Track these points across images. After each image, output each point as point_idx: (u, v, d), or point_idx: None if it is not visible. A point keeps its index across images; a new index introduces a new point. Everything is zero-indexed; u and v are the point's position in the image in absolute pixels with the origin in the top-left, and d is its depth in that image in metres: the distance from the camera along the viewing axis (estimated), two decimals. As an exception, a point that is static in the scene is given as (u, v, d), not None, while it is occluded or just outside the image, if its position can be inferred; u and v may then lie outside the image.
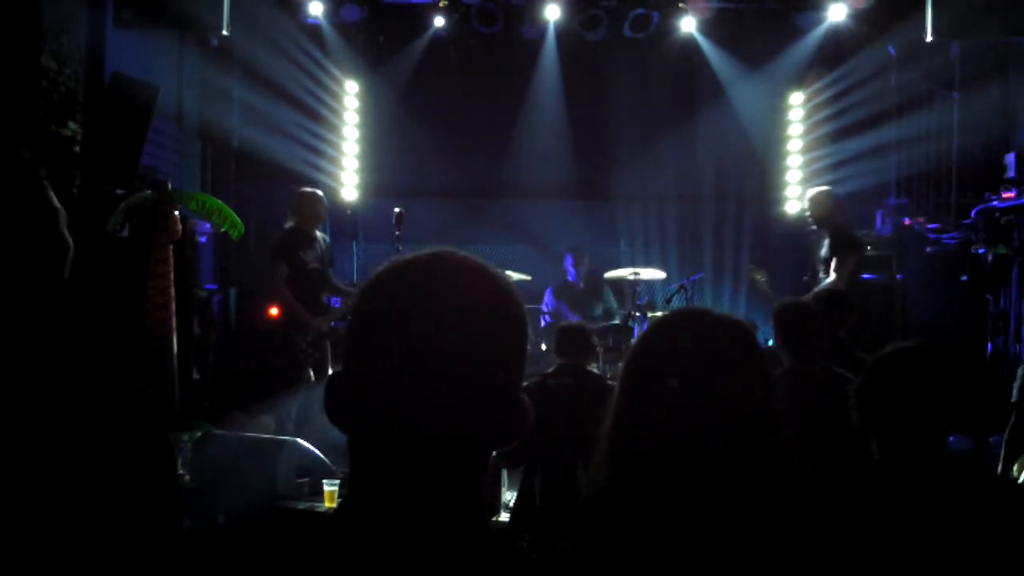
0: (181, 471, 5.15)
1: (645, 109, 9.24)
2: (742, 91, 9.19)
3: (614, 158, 9.52)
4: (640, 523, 1.63)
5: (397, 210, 6.50)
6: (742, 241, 9.62)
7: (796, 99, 9.48)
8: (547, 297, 8.46)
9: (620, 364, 1.84)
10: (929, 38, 7.24)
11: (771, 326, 4.34)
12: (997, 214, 7.32)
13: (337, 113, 9.50)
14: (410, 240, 6.17)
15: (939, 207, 8.51)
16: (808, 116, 9.47)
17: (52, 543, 1.49)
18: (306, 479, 5.33)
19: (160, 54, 7.92)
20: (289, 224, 6.72)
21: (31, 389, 1.54)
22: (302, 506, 5.14)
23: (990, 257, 7.28)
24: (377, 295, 1.14)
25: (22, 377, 1.55)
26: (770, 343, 7.83)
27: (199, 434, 5.56)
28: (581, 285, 8.44)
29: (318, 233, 6.86)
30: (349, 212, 9.42)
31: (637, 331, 7.50)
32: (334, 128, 9.48)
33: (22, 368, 1.55)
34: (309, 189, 7.01)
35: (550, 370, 4.80)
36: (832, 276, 6.48)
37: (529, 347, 1.58)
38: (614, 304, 8.47)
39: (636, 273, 7.83)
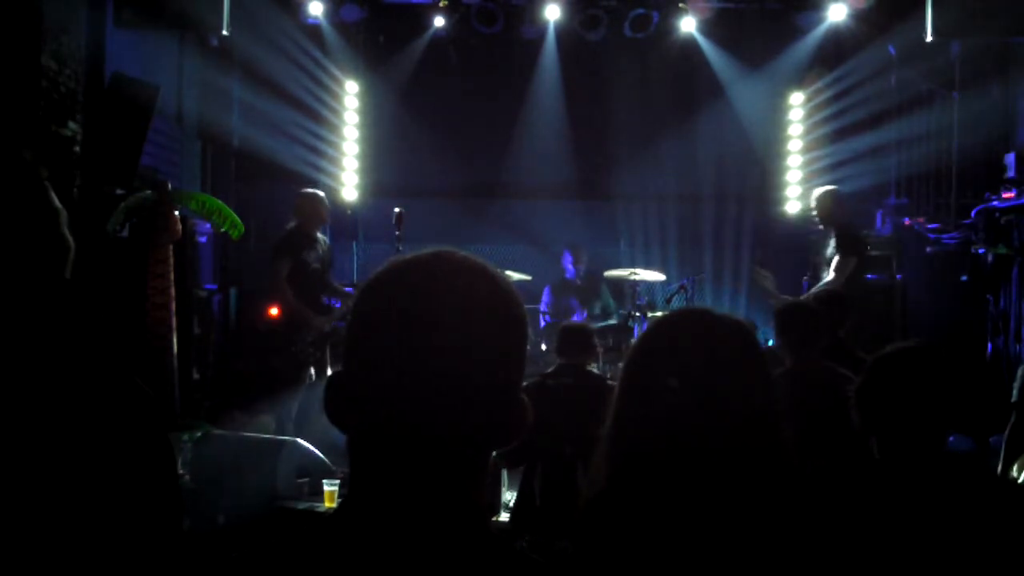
0: (181, 471, 5.15)
1: (645, 109, 9.24)
2: (742, 91, 9.19)
3: (614, 158, 9.53)
4: (640, 523, 1.63)
5: (397, 210, 6.49)
6: (742, 241, 9.62)
7: (796, 99, 9.48)
8: (545, 296, 8.46)
9: (620, 364, 1.83)
10: (929, 38, 7.23)
11: (771, 326, 4.34)
12: (997, 214, 7.32)
13: (337, 113, 9.50)
14: (410, 240, 6.17)
15: (939, 207, 8.51)
16: (808, 116, 9.47)
17: (52, 543, 1.49)
18: (306, 479, 5.33)
19: (160, 54, 7.92)
20: (291, 224, 6.71)
21: (32, 389, 1.54)
22: (302, 506, 5.14)
23: (990, 257, 7.29)
24: (377, 295, 1.14)
25: (23, 377, 1.55)
26: (770, 343, 7.86)
27: (199, 434, 5.57)
28: (579, 283, 8.45)
29: (319, 235, 6.85)
30: (349, 212, 9.42)
31: (637, 331, 7.50)
32: (334, 128, 9.48)
33: (23, 368, 1.56)
34: (311, 190, 7.01)
35: (550, 370, 4.80)
36: (831, 275, 6.47)
37: (529, 347, 1.58)
38: (612, 303, 8.48)
39: (635, 273, 7.83)
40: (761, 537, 1.61)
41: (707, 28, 8.93)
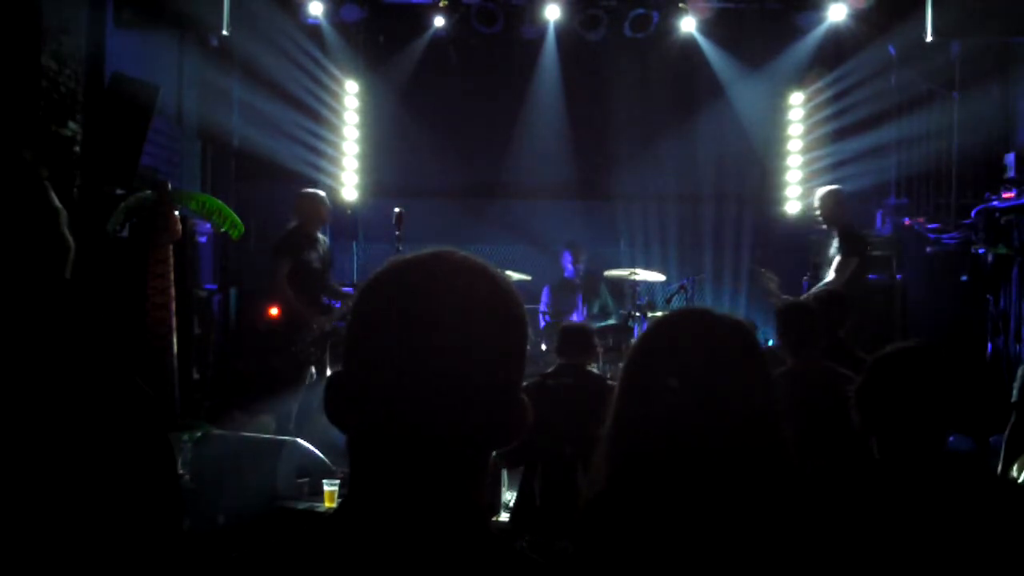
0: (181, 471, 5.15)
1: (645, 109, 9.24)
2: (742, 91, 9.19)
3: (614, 158, 9.53)
4: (640, 523, 1.63)
5: (397, 210, 6.49)
6: (742, 241, 9.62)
7: (796, 99, 9.48)
8: (544, 295, 8.47)
9: (620, 364, 1.83)
10: (929, 38, 7.23)
11: (771, 326, 4.36)
12: (997, 214, 7.32)
13: (337, 113, 9.50)
14: (410, 240, 6.16)
15: (939, 207, 8.51)
16: (808, 116, 9.47)
17: (53, 543, 1.49)
18: (306, 479, 5.33)
19: (160, 54, 7.92)
20: (292, 224, 6.71)
21: (32, 389, 1.54)
22: (302, 506, 5.14)
23: (990, 257, 7.29)
24: (377, 295, 1.14)
25: (23, 377, 1.55)
26: (771, 343, 7.86)
27: (199, 434, 5.57)
28: (578, 282, 8.45)
29: (320, 235, 6.85)
30: (349, 212, 9.42)
31: (637, 331, 7.50)
32: (334, 128, 9.48)
33: (23, 368, 1.55)
34: (311, 190, 7.01)
35: (550, 370, 4.80)
36: (831, 276, 6.47)
37: (529, 347, 1.58)
38: (611, 302, 8.48)
39: (635, 273, 7.84)
40: (761, 537, 1.61)
41: (707, 28, 8.93)
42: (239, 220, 6.65)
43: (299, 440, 5.54)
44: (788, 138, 9.55)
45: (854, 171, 8.58)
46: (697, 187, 9.54)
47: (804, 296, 6.19)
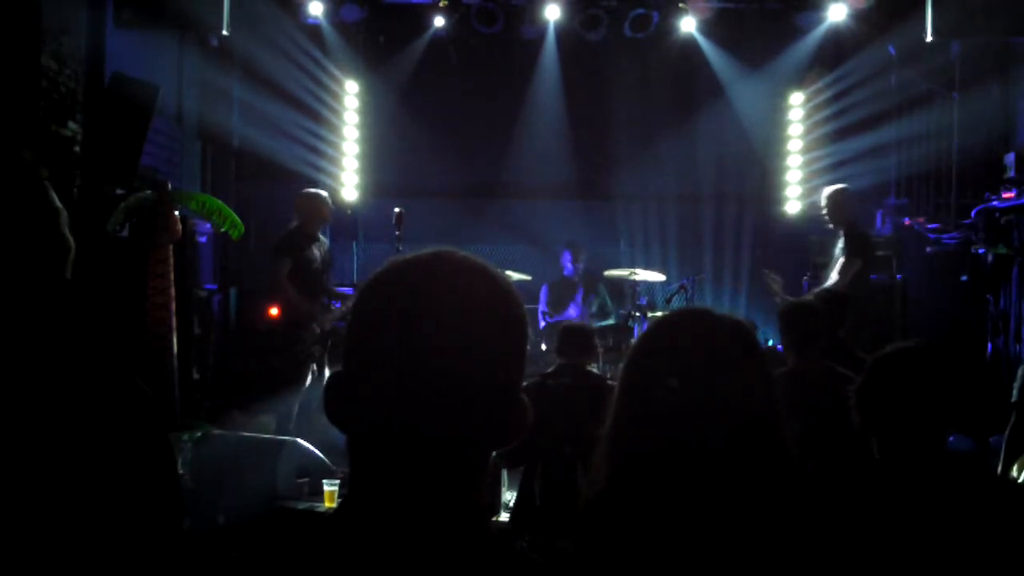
0: (181, 471, 5.15)
1: (645, 109, 9.25)
2: (742, 91, 9.20)
3: (614, 158, 9.53)
4: (640, 523, 1.63)
5: (397, 210, 6.49)
6: (742, 241, 9.62)
7: (796, 99, 9.48)
8: (543, 294, 8.47)
9: (620, 364, 1.83)
10: (929, 38, 7.23)
11: (771, 326, 4.37)
12: (997, 214, 7.31)
13: (337, 113, 9.50)
14: (410, 240, 6.16)
15: (939, 207, 8.51)
16: (808, 116, 9.47)
17: (53, 543, 1.49)
18: (306, 479, 5.33)
19: (160, 54, 7.92)
20: (293, 224, 6.71)
21: (32, 389, 1.54)
22: (302, 506, 5.14)
23: (990, 257, 7.28)
24: (377, 295, 1.14)
25: (23, 377, 1.55)
26: (771, 343, 7.86)
27: (199, 434, 5.57)
28: (577, 281, 8.45)
29: (320, 235, 6.86)
30: (349, 212, 9.42)
31: (637, 331, 7.51)
32: (334, 128, 9.49)
33: (23, 368, 1.56)
34: (312, 190, 7.00)
35: (550, 370, 4.80)
36: (835, 277, 6.44)
37: (529, 347, 1.58)
38: (610, 301, 8.48)
39: (635, 273, 7.84)
40: (761, 537, 1.61)
41: (707, 28, 8.93)
42: (239, 220, 6.65)
43: (299, 440, 5.54)
44: (788, 138, 9.55)
45: (854, 171, 8.57)
46: (697, 187, 9.55)
47: (806, 296, 6.19)
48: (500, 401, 1.11)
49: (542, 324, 8.26)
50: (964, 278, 7.67)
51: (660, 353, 1.73)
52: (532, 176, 9.50)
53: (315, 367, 6.60)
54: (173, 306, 6.14)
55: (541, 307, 8.41)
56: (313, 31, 8.98)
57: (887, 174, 8.92)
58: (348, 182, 9.50)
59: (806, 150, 9.49)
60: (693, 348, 1.70)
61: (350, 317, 1.16)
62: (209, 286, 8.16)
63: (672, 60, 9.09)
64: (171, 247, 6.18)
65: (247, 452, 5.39)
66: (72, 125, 6.18)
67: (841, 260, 6.49)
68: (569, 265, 8.44)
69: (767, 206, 9.62)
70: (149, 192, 6.25)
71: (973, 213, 7.62)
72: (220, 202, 6.70)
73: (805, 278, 8.03)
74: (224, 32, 7.29)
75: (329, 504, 4.96)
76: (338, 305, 6.81)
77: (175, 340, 6.15)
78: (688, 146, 9.32)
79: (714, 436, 1.63)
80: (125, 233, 6.39)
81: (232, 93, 8.88)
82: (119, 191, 6.48)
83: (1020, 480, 4.79)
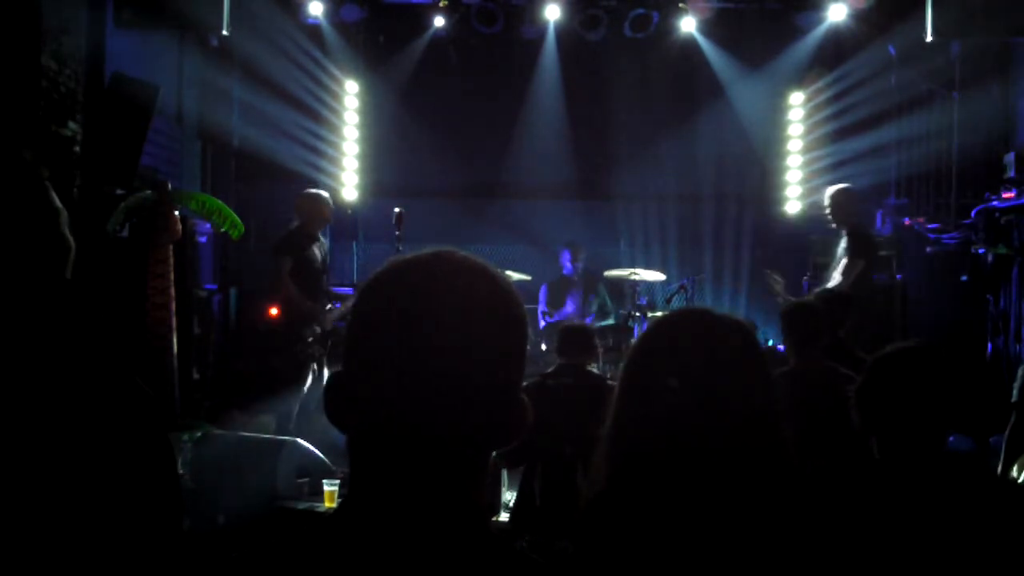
0: (181, 471, 5.15)
1: (645, 109, 9.24)
2: (742, 91, 9.19)
3: (614, 158, 9.53)
4: (640, 523, 1.63)
5: (397, 210, 6.49)
6: (742, 241, 9.62)
7: (796, 99, 9.48)
8: (542, 293, 8.47)
9: (620, 364, 1.83)
10: (929, 38, 7.23)
11: (771, 326, 4.38)
12: (997, 214, 7.31)
13: (337, 113, 9.50)
14: (410, 240, 6.16)
15: (939, 207, 8.51)
16: (808, 116, 9.47)
17: (53, 543, 1.49)
18: (306, 479, 5.33)
19: (160, 54, 7.92)
20: (294, 224, 6.72)
21: (32, 389, 1.54)
22: (302, 506, 5.14)
23: (990, 257, 7.28)
24: (377, 295, 1.14)
25: (23, 377, 1.55)
26: (770, 343, 7.85)
27: (199, 434, 5.57)
28: (576, 280, 8.45)
29: (320, 236, 6.86)
30: (349, 212, 9.42)
31: (637, 331, 7.50)
32: (334, 128, 9.49)
33: (23, 368, 1.56)
34: (315, 190, 7.01)
35: (549, 370, 4.80)
36: (838, 278, 6.41)
37: (529, 347, 1.58)
38: (609, 300, 8.48)
39: (635, 273, 7.84)
40: (761, 537, 1.61)
41: (707, 28, 8.93)
42: (239, 220, 6.65)
43: (299, 440, 5.54)
44: (788, 138, 9.55)
45: (854, 171, 8.57)
46: (697, 187, 9.54)
47: (807, 296, 6.18)
48: (500, 401, 1.11)
49: (542, 324, 8.26)
50: (964, 278, 7.67)
51: (660, 353, 1.73)
52: (532, 176, 9.49)
53: (315, 367, 6.60)
54: (173, 306, 6.14)
55: (541, 307, 8.41)
56: (313, 31, 8.98)
57: (887, 174, 8.92)
58: (348, 182, 9.50)
59: (806, 150, 9.49)
60: (693, 348, 1.70)
61: (350, 317, 1.16)
62: (209, 286, 8.16)
63: (672, 60, 9.09)
64: (171, 247, 6.18)
65: (247, 452, 5.39)
66: (72, 125, 6.19)
67: (844, 261, 6.46)
68: (568, 264, 8.44)
69: (767, 206, 9.62)
70: (149, 192, 6.25)
71: (973, 213, 7.62)
72: (220, 202, 6.70)
73: (805, 278, 8.03)
74: (224, 32, 7.29)
75: (329, 504, 4.96)
76: (338, 306, 6.82)
77: (175, 340, 6.15)
78: (688, 146, 9.32)
79: (714, 436, 1.63)
80: (125, 233, 6.39)
81: (232, 93, 8.88)
82: (119, 191, 6.48)
83: (1020, 480, 4.79)
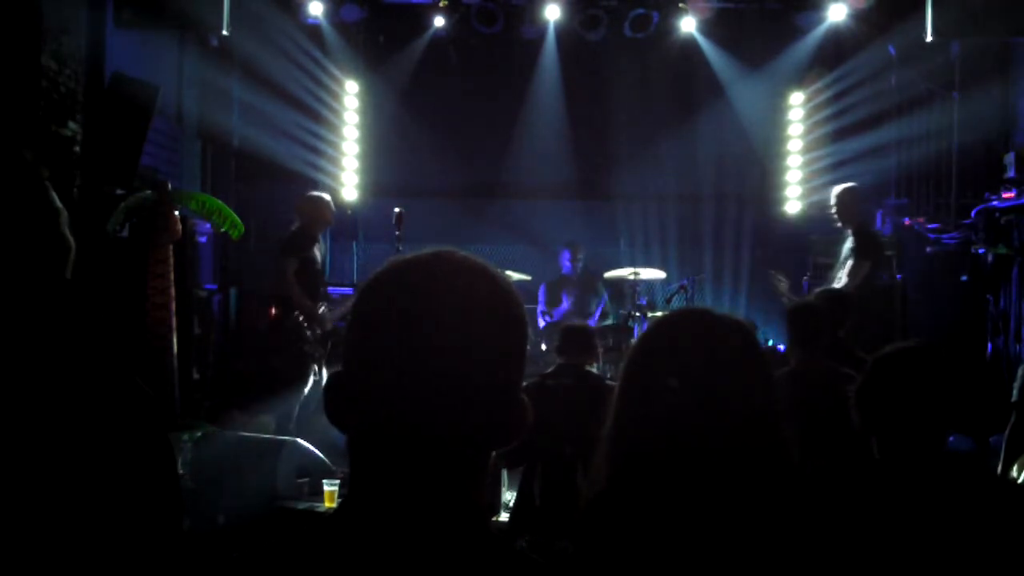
0: (181, 471, 5.15)
1: (645, 109, 9.24)
2: (742, 91, 9.19)
3: (614, 158, 9.52)
4: (640, 523, 1.63)
5: (397, 210, 6.50)
6: (742, 241, 9.62)
7: (796, 99, 9.48)
8: (541, 293, 8.47)
9: (620, 364, 1.83)
10: (929, 38, 7.23)
11: (771, 326, 4.38)
12: (997, 214, 7.31)
13: (337, 113, 9.50)
14: (410, 240, 6.17)
15: (939, 207, 8.51)
16: (808, 116, 9.47)
17: (52, 543, 1.49)
18: (306, 479, 5.33)
19: (160, 54, 7.92)
20: (295, 225, 6.74)
21: (32, 389, 1.54)
22: (302, 506, 5.14)
23: (990, 257, 7.28)
24: (377, 295, 1.14)
25: (23, 377, 1.55)
26: (770, 343, 7.85)
27: (199, 434, 5.57)
28: (575, 279, 8.45)
29: (319, 238, 6.88)
30: (349, 212, 9.42)
31: (637, 331, 7.50)
32: (334, 128, 9.49)
33: (23, 368, 1.55)
34: (317, 193, 7.04)
35: (549, 370, 4.80)
36: (845, 279, 6.38)
37: (529, 347, 1.58)
38: (607, 298, 8.47)
39: (636, 273, 7.83)
40: (761, 537, 1.61)
41: (707, 28, 8.93)
42: (239, 220, 6.65)
43: (299, 440, 5.54)
44: (788, 138, 9.55)
45: (854, 171, 8.56)
46: (697, 187, 9.54)
47: (808, 296, 6.18)
48: (500, 401, 1.11)
49: (541, 324, 8.26)
50: (964, 278, 7.67)
51: (660, 353, 1.73)
52: (532, 176, 9.49)
53: (315, 367, 6.61)
54: (173, 306, 6.14)
55: (540, 307, 8.41)
56: (313, 31, 8.97)
57: (887, 174, 8.91)
58: (348, 182, 9.50)
59: (806, 150, 9.49)
60: (693, 348, 1.70)
61: (350, 317, 1.16)
62: (209, 286, 8.16)
63: (672, 60, 9.09)
64: (171, 247, 6.18)
65: (247, 452, 5.39)
66: (72, 125, 6.18)
67: (850, 262, 6.43)
68: (568, 264, 8.44)
69: (767, 206, 9.61)
70: (149, 192, 6.25)
71: (973, 213, 7.62)
72: (220, 202, 6.70)
73: (805, 278, 8.03)
74: (224, 32, 7.29)
75: (329, 504, 4.96)
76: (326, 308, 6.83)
77: (175, 340, 6.15)
78: (688, 146, 9.31)
79: (714, 436, 1.63)
80: (125, 233, 6.39)
81: (232, 93, 8.88)
82: (119, 191, 6.48)
83: (1020, 480, 4.79)
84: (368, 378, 1.10)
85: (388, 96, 9.42)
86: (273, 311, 6.73)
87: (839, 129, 9.07)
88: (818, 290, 5.94)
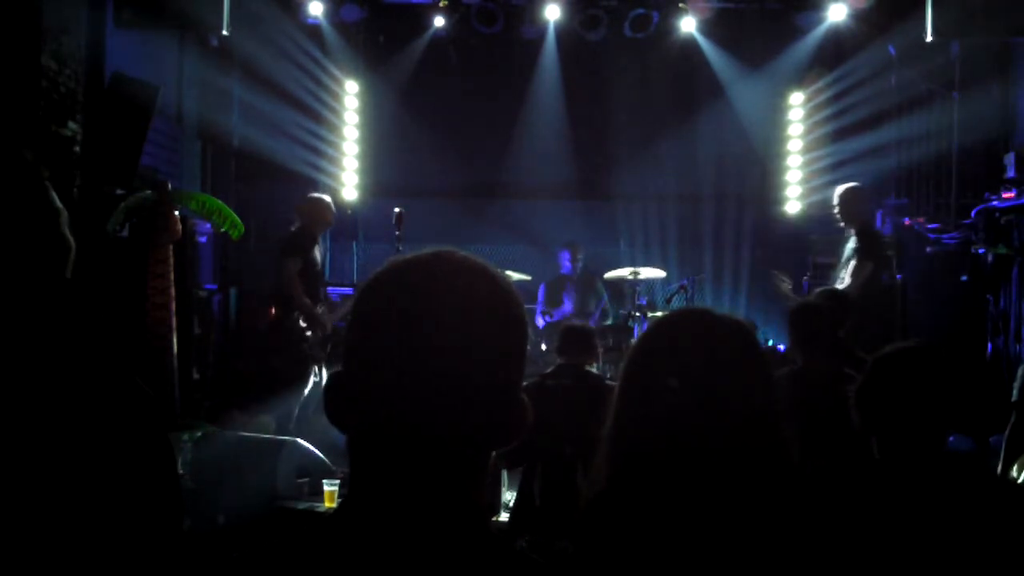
0: (181, 471, 5.15)
1: (645, 109, 9.25)
2: (742, 91, 9.19)
3: (614, 158, 9.52)
4: (640, 523, 1.63)
5: (397, 210, 6.50)
6: (742, 241, 9.62)
7: (796, 99, 9.48)
8: (540, 293, 8.47)
9: (620, 364, 1.83)
10: (929, 38, 7.22)
11: (771, 326, 4.40)
12: (997, 214, 7.31)
13: (337, 113, 9.50)
14: (410, 240, 6.17)
15: (939, 207, 8.51)
16: (808, 116, 9.47)
17: (52, 543, 1.49)
18: (306, 479, 5.33)
19: (160, 54, 7.92)
20: (296, 225, 6.74)
21: (32, 389, 1.54)
22: (302, 506, 5.14)
23: (990, 257, 7.27)
24: (377, 295, 1.14)
25: (23, 377, 1.55)
26: (770, 343, 7.84)
27: (199, 434, 5.57)
28: (575, 279, 8.45)
29: (319, 239, 6.89)
30: (349, 212, 9.42)
31: (637, 331, 7.50)
32: (334, 128, 9.49)
33: (23, 368, 1.55)
34: (318, 195, 7.05)
35: (549, 370, 4.80)
36: (847, 281, 6.35)
37: (529, 347, 1.58)
38: (606, 296, 8.47)
39: (636, 273, 7.83)
40: (761, 537, 1.61)
41: (707, 28, 8.93)
42: (239, 220, 6.65)
43: (299, 440, 5.54)
44: (788, 138, 9.55)
45: (854, 171, 8.55)
46: (697, 187, 9.54)
47: (809, 296, 6.18)
48: (500, 401, 1.11)
49: (540, 324, 8.26)
50: (964, 278, 7.66)
51: (660, 353, 1.73)
52: (532, 176, 9.49)
53: (315, 368, 6.61)
54: (173, 306, 6.14)
55: (539, 307, 8.41)
56: (313, 31, 8.97)
57: (887, 174, 8.90)
58: (348, 182, 9.50)
59: (806, 150, 9.49)
60: (693, 348, 1.70)
61: (350, 317, 1.16)
62: (209, 286, 8.16)
63: (672, 60, 9.09)
64: (171, 247, 6.18)
65: (247, 452, 5.39)
66: (72, 125, 6.18)
67: (853, 263, 6.39)
68: (567, 264, 8.45)
69: (767, 206, 9.61)
70: (149, 192, 6.25)
71: (973, 213, 7.62)
72: (220, 202, 6.70)
73: (805, 278, 8.03)
74: (224, 32, 7.29)
75: (329, 504, 4.96)
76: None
77: (175, 340, 6.15)
78: (688, 146, 9.31)
79: (714, 436, 1.63)
80: (125, 233, 6.39)
81: (232, 93, 8.88)
82: (119, 191, 6.48)
83: (1020, 480, 4.79)
84: (368, 378, 1.10)
85: (388, 96, 9.42)
86: (273, 311, 6.73)
87: (839, 129, 9.07)
88: (818, 290, 5.93)
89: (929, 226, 8.11)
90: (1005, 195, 7.20)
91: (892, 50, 8.54)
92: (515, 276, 7.41)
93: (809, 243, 8.45)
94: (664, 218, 9.63)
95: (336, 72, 9.37)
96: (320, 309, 6.64)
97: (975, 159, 8.08)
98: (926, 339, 5.56)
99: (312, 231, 6.72)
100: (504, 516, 4.88)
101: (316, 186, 8.59)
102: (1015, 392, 5.49)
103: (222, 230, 6.76)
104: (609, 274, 8.19)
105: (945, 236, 7.96)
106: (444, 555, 1.05)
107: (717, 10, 8.84)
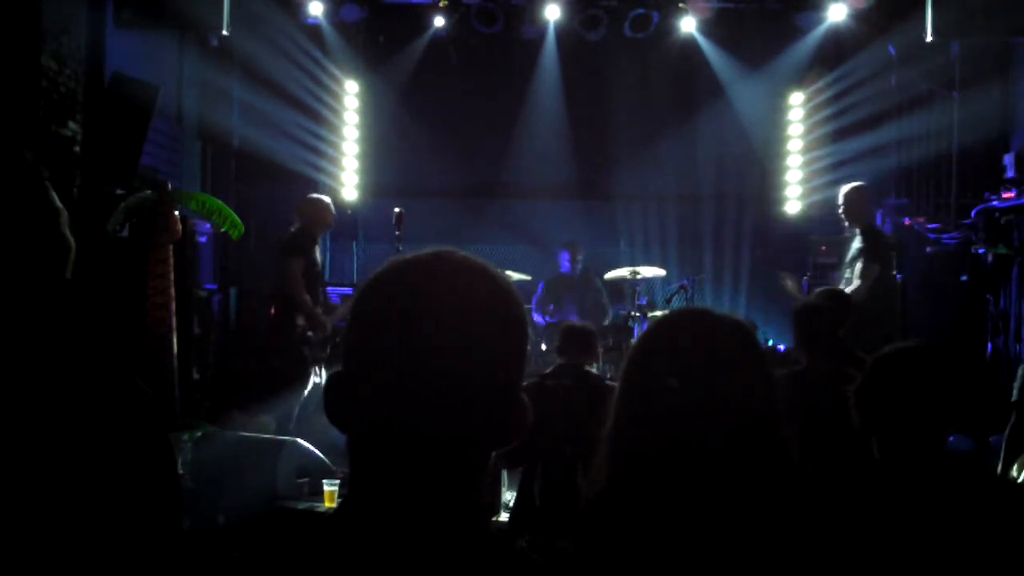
0: (181, 471, 5.15)
1: (645, 109, 9.25)
2: (742, 91, 9.19)
3: (614, 158, 9.53)
4: (640, 523, 1.63)
5: (397, 210, 6.50)
6: (742, 241, 9.62)
7: (796, 99, 9.48)
8: (539, 291, 8.47)
9: (620, 364, 1.83)
10: (929, 38, 7.23)
11: (771, 326, 4.41)
12: (997, 214, 7.31)
13: (337, 113, 9.50)
14: (410, 240, 6.16)
15: (939, 207, 8.51)
16: (808, 116, 9.47)
17: (52, 543, 1.49)
18: (306, 479, 5.33)
19: (160, 54, 7.92)
20: (296, 226, 6.74)
21: (32, 389, 1.54)
22: (302, 506, 5.14)
23: (990, 257, 7.27)
24: (377, 295, 1.14)
25: (23, 377, 1.55)
26: (770, 343, 7.84)
27: (199, 434, 5.56)
28: (575, 278, 8.45)
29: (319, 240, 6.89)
30: (349, 212, 9.42)
31: (637, 331, 7.50)
32: (334, 128, 9.49)
33: (23, 368, 1.55)
34: (318, 196, 7.05)
35: (548, 370, 4.80)
36: (856, 283, 6.31)
37: (529, 347, 1.58)
38: (605, 295, 8.45)
39: (636, 273, 7.83)
40: (761, 537, 1.61)
41: (707, 28, 8.93)
42: (239, 220, 6.65)
43: (299, 440, 5.54)
44: (788, 138, 9.55)
45: (854, 171, 8.55)
46: (697, 187, 9.54)
47: (809, 295, 6.17)
48: (500, 401, 1.11)
49: (539, 321, 8.25)
50: (964, 278, 7.66)
51: (660, 353, 1.73)
52: (532, 176, 9.49)
53: (316, 368, 6.61)
54: (173, 306, 6.13)
55: (534, 304, 8.39)
56: (313, 31, 8.98)
57: (887, 174, 8.90)
58: (348, 182, 9.50)
59: (806, 150, 9.49)
60: (693, 348, 1.70)
61: (350, 317, 1.16)
62: (209, 286, 8.16)
63: (672, 60, 9.09)
64: (171, 247, 6.18)
65: (247, 452, 5.39)
66: (72, 125, 6.18)
67: (859, 264, 6.35)
68: (567, 263, 8.44)
69: (767, 206, 9.62)
70: (149, 192, 6.25)
71: (973, 213, 7.62)
72: (220, 202, 6.70)
73: (805, 278, 8.03)
74: (224, 32, 7.29)
75: (329, 504, 4.96)
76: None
77: (175, 340, 6.15)
78: (688, 146, 9.31)
79: (714, 436, 1.63)
80: (125, 233, 6.39)
81: (232, 93, 8.88)
82: (119, 191, 6.48)
83: (1020, 480, 4.79)
84: (368, 378, 1.10)
85: (388, 96, 9.42)
86: (273, 311, 6.73)
87: (839, 129, 9.07)
88: (819, 290, 5.92)
89: (929, 226, 8.11)
90: (1005, 195, 7.20)
91: (892, 50, 8.55)
92: (515, 276, 7.42)
93: (809, 243, 8.46)
94: (664, 218, 9.63)
95: (336, 72, 9.37)
96: (318, 310, 6.64)
97: (975, 159, 8.08)
98: (926, 339, 5.56)
99: (312, 231, 6.73)
100: (504, 516, 4.88)
101: (316, 186, 8.59)
102: (1015, 392, 5.49)
103: (222, 230, 6.76)
104: (609, 274, 8.18)
105: (945, 236, 7.96)
106: (444, 555, 1.05)
107: (717, 10, 8.84)
